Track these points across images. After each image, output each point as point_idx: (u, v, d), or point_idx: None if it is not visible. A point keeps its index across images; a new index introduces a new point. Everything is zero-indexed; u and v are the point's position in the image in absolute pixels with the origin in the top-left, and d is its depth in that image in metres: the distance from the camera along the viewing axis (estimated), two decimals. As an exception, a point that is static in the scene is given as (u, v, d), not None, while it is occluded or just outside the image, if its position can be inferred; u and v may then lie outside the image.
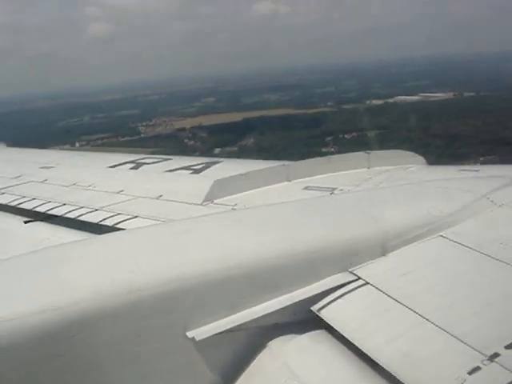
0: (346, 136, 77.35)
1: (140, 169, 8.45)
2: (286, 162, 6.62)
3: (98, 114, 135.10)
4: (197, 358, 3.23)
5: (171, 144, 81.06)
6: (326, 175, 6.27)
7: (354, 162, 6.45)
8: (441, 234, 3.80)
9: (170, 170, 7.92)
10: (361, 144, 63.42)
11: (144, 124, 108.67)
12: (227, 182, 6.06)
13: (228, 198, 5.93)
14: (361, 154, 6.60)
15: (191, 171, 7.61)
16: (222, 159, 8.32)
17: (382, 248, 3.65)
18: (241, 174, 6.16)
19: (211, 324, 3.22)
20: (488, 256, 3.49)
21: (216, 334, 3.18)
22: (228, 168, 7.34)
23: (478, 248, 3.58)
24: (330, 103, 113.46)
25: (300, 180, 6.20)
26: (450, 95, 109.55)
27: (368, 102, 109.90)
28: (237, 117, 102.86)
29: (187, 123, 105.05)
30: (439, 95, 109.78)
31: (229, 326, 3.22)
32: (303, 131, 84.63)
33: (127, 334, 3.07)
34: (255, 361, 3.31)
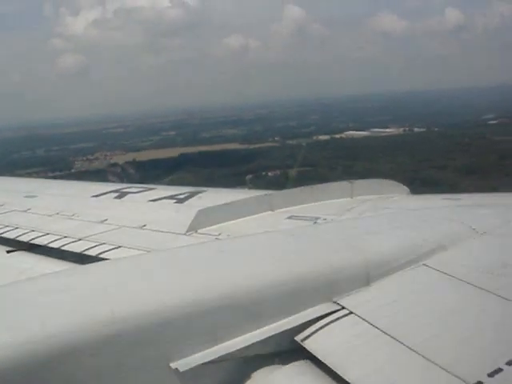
0: (269, 174, 74.88)
1: (124, 198, 8.40)
2: (269, 192, 6.59)
3: (54, 147, 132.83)
4: None
5: (95, 180, 79.55)
6: (309, 205, 6.26)
7: (337, 191, 6.46)
8: (424, 262, 3.79)
9: (154, 200, 7.90)
10: (278, 183, 62.05)
11: (84, 158, 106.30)
12: (211, 212, 6.03)
13: (212, 227, 5.88)
14: (344, 183, 6.62)
15: (175, 200, 7.61)
16: (205, 188, 8.24)
17: (365, 277, 3.64)
18: (224, 204, 6.13)
19: (195, 355, 3.18)
20: (471, 285, 3.48)
21: (200, 365, 3.16)
22: (212, 197, 7.35)
23: (462, 277, 3.58)
24: (276, 138, 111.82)
25: (283, 209, 6.18)
26: (400, 131, 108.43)
27: (315, 137, 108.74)
28: (182, 151, 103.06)
29: (127, 157, 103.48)
30: (390, 130, 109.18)
31: (213, 357, 3.20)
32: (231, 168, 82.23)
33: (109, 366, 3.04)
34: None
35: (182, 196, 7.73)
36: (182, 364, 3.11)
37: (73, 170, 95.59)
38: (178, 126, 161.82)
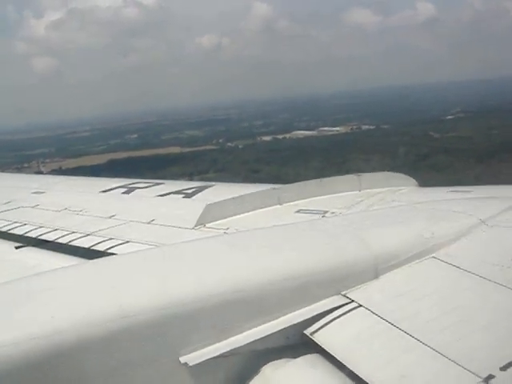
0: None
1: (132, 193, 8.40)
2: (277, 186, 6.54)
3: (8, 153, 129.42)
4: None
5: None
6: (317, 198, 6.20)
7: (345, 184, 6.39)
8: (433, 255, 3.79)
9: (162, 195, 7.89)
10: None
11: (19, 166, 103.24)
12: (219, 206, 5.99)
13: (220, 221, 5.87)
14: (352, 176, 6.55)
15: (183, 195, 7.59)
16: (213, 183, 8.22)
17: (374, 270, 3.63)
18: (232, 198, 6.08)
19: (204, 349, 3.19)
20: (481, 277, 3.47)
21: (209, 359, 3.15)
22: (220, 192, 7.29)
23: (471, 269, 3.56)
24: (220, 140, 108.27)
25: (291, 203, 6.13)
26: (348, 129, 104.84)
27: (259, 138, 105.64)
28: (118, 157, 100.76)
29: (63, 164, 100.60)
30: (337, 129, 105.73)
31: (222, 351, 3.19)
32: (149, 174, 78.08)
33: (118, 362, 3.05)
34: None
35: (190, 191, 7.71)
36: (192, 358, 3.11)
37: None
38: (144, 129, 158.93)
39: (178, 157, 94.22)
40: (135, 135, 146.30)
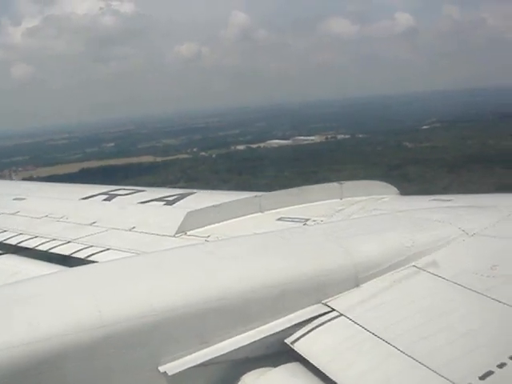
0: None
1: (113, 200, 8.34)
2: (259, 193, 6.48)
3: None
4: None
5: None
6: (298, 206, 6.19)
7: (327, 192, 6.40)
8: (413, 264, 3.79)
9: (143, 202, 7.86)
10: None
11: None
12: (200, 214, 5.98)
13: (201, 229, 5.85)
14: (333, 184, 6.53)
15: (164, 202, 7.57)
16: (195, 190, 8.18)
17: (355, 279, 3.65)
18: (214, 206, 6.06)
19: (184, 358, 3.18)
20: (461, 286, 3.49)
21: (189, 368, 3.15)
22: (201, 199, 7.29)
23: (451, 278, 3.58)
24: (195, 149, 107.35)
25: (273, 211, 6.12)
26: (323, 138, 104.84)
27: (233, 147, 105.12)
28: (95, 164, 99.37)
29: (36, 173, 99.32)
30: (312, 138, 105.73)
31: (202, 360, 3.19)
32: (120, 183, 76.72)
33: (98, 370, 3.04)
34: None
35: (171, 198, 7.68)
36: (171, 367, 3.11)
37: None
38: (122, 137, 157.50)
39: (151, 166, 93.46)
40: (112, 144, 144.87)
